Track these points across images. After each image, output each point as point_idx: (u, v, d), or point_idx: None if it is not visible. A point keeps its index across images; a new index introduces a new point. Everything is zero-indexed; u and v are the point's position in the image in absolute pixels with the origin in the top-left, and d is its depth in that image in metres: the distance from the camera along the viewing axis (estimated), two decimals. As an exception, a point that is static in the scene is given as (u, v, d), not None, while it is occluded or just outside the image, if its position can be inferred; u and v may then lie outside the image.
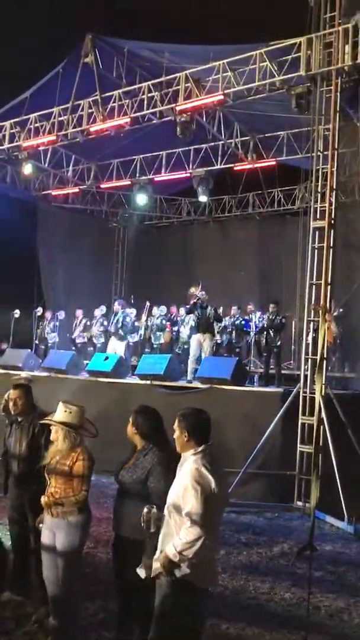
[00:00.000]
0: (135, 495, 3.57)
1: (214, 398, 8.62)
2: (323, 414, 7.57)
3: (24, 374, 9.17)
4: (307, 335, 8.66)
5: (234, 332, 12.00)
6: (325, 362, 8.40)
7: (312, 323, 8.60)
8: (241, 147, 13.11)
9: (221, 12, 12.07)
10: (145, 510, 3.21)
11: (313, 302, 8.60)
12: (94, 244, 17.19)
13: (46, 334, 13.91)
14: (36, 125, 12.20)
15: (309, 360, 8.53)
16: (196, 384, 9.44)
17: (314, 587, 4.81)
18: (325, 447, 7.52)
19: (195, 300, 10.73)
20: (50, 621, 3.91)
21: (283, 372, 11.08)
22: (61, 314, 14.20)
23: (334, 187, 8.56)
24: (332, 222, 8.50)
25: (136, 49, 11.14)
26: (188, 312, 11.54)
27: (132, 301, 14.49)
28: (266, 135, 12.95)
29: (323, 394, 7.69)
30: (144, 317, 13.25)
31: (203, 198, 14.58)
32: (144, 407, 3.86)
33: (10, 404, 4.70)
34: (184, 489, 3.02)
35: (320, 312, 7.86)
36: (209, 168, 13.57)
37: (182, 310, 12.66)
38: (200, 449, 3.13)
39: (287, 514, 7.81)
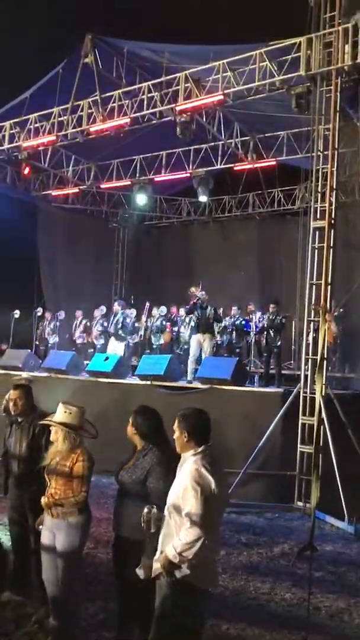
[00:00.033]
0: (134, 496, 3.57)
1: (214, 398, 8.62)
2: (323, 414, 7.56)
3: (24, 374, 9.17)
4: (307, 335, 8.66)
5: (234, 332, 11.99)
6: (325, 362, 8.39)
7: (312, 323, 8.59)
8: (241, 147, 13.10)
9: (221, 12, 12.08)
10: (146, 510, 3.21)
11: (313, 302, 8.59)
12: (94, 244, 17.21)
13: (46, 334, 13.92)
14: (36, 125, 12.19)
15: (309, 360, 8.52)
16: (196, 384, 9.44)
17: (315, 587, 4.81)
18: (325, 447, 7.52)
19: (195, 301, 10.73)
20: (50, 622, 3.91)
21: (283, 372, 11.08)
22: (61, 315, 14.21)
23: (334, 187, 8.55)
24: (332, 222, 8.50)
25: (136, 49, 11.13)
26: (188, 313, 11.54)
27: (132, 301, 14.50)
28: (266, 135, 12.95)
29: (323, 394, 7.69)
30: (143, 318, 13.25)
31: (203, 198, 14.58)
32: (144, 408, 3.85)
33: (11, 404, 4.70)
34: (184, 490, 3.02)
35: (320, 312, 7.85)
36: (209, 168, 13.57)
37: (182, 311, 12.66)
38: (200, 449, 3.13)
39: (288, 514, 7.80)
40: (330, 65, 8.51)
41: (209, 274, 14.53)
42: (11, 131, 12.51)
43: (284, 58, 9.14)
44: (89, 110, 11.33)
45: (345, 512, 7.13)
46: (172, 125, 10.49)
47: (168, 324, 13.07)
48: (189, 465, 3.08)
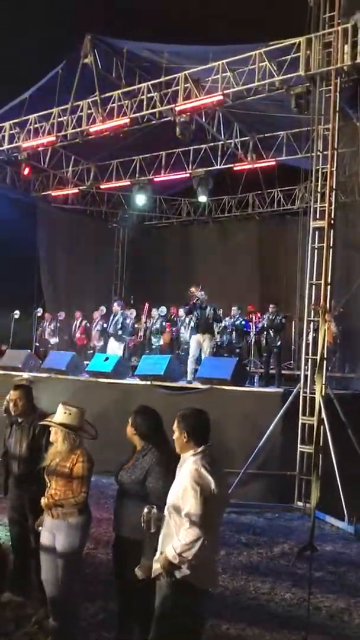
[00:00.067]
0: (134, 496, 3.57)
1: (214, 398, 8.62)
2: (323, 414, 7.56)
3: (25, 374, 9.17)
4: (307, 335, 8.66)
5: (234, 332, 12.00)
6: (325, 362, 8.39)
7: (312, 323, 8.59)
8: (241, 147, 13.11)
9: (221, 12, 12.06)
10: (146, 510, 3.21)
11: (313, 302, 8.59)
12: (94, 245, 17.22)
13: (47, 335, 13.94)
14: (36, 126, 12.19)
15: (309, 360, 8.52)
16: (196, 385, 9.44)
17: (315, 587, 4.81)
18: (325, 447, 7.52)
19: (194, 301, 10.73)
20: (49, 622, 3.91)
21: (283, 372, 11.09)
22: (61, 315, 14.23)
23: (334, 187, 8.56)
24: (332, 222, 8.50)
25: (135, 50, 11.13)
26: (187, 313, 11.54)
27: (132, 302, 14.51)
28: (266, 135, 12.95)
29: (323, 394, 7.68)
30: (143, 318, 13.26)
31: (203, 198, 14.59)
32: (143, 408, 3.85)
33: (11, 404, 4.69)
34: (184, 490, 3.02)
35: (320, 312, 7.85)
36: (209, 168, 13.57)
37: (182, 312, 12.67)
38: (199, 449, 3.13)
39: (288, 514, 7.80)
40: (330, 65, 8.51)
41: (208, 274, 14.55)
42: (11, 132, 12.51)
43: (283, 58, 9.15)
44: (89, 111, 11.33)
45: (345, 512, 7.13)
46: (171, 126, 10.49)
47: (167, 324, 13.08)
48: (189, 465, 3.08)
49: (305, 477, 7.97)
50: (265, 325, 10.86)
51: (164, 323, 13.06)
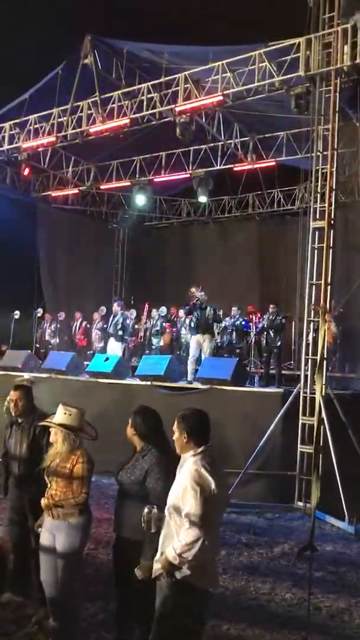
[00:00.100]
0: (134, 497, 3.58)
1: (214, 399, 8.62)
2: (323, 414, 7.56)
3: (26, 375, 9.18)
4: (307, 335, 8.66)
5: (234, 332, 12.00)
6: (325, 362, 8.39)
7: (312, 323, 8.60)
8: (241, 148, 13.11)
9: (221, 12, 12.05)
10: (146, 510, 3.21)
11: (313, 302, 8.59)
12: (94, 245, 17.23)
13: (47, 336, 13.94)
14: (36, 126, 12.20)
15: (309, 360, 8.52)
16: (196, 385, 9.44)
17: (315, 587, 4.82)
18: (325, 448, 7.51)
19: (194, 301, 10.73)
20: (50, 622, 3.91)
21: (283, 372, 11.10)
22: (61, 316, 14.24)
23: (334, 187, 8.55)
24: (332, 222, 8.50)
25: (135, 50, 11.13)
26: (187, 313, 11.54)
27: (132, 302, 14.52)
28: (266, 135, 12.95)
29: (323, 394, 7.68)
30: (143, 319, 13.26)
31: (203, 199, 14.59)
32: (143, 408, 3.85)
33: (11, 405, 4.69)
34: (184, 490, 3.02)
35: (320, 312, 7.85)
36: (209, 169, 13.57)
37: (181, 312, 12.67)
38: (199, 450, 3.13)
39: (288, 514, 7.80)
40: (330, 65, 8.51)
41: (208, 275, 14.56)
42: (11, 132, 12.52)
43: (283, 59, 9.15)
44: (89, 111, 11.33)
45: (346, 512, 7.13)
46: (171, 126, 10.50)
47: (168, 324, 13.09)
48: (189, 465, 3.08)
49: (306, 477, 7.98)
50: (265, 326, 10.87)
51: (164, 323, 13.06)
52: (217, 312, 10.85)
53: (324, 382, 7.86)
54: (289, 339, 12.15)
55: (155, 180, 14.50)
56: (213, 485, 3.00)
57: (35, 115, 12.12)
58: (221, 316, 11.51)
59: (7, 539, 4.89)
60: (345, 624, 4.66)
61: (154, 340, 13.04)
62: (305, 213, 10.92)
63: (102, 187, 15.56)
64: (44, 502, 3.81)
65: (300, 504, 7.98)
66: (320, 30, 8.62)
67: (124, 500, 3.69)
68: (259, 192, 15.68)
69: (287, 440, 8.18)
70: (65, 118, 11.63)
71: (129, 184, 14.75)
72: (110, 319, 12.49)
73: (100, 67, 11.07)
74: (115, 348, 12.14)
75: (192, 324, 10.86)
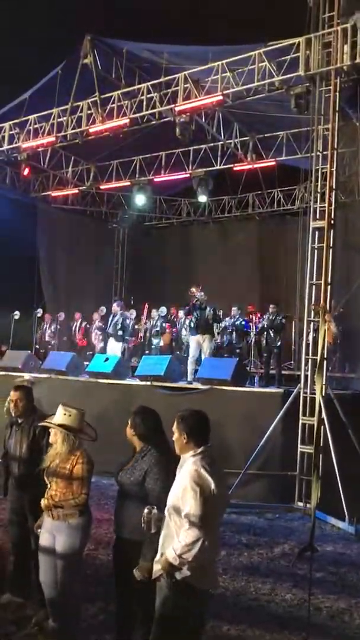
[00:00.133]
0: (134, 497, 3.57)
1: (214, 399, 8.62)
2: (323, 414, 7.55)
3: (27, 376, 9.18)
4: (307, 335, 8.65)
5: (234, 332, 12.00)
6: (325, 362, 8.38)
7: (312, 323, 8.59)
8: (241, 148, 13.10)
9: (221, 12, 12.05)
10: (146, 511, 3.21)
11: (313, 302, 8.59)
12: (94, 245, 17.23)
13: (47, 337, 13.94)
14: (35, 126, 12.18)
15: (309, 360, 8.52)
16: (197, 385, 9.44)
17: (315, 588, 4.81)
18: (325, 448, 7.51)
19: (194, 302, 10.73)
20: (49, 623, 3.91)
21: (283, 372, 11.10)
22: (61, 316, 14.24)
23: (334, 187, 8.55)
24: (332, 222, 8.49)
25: (135, 50, 11.12)
26: (186, 314, 11.53)
27: (132, 302, 14.51)
28: (265, 135, 12.94)
29: (323, 394, 7.68)
30: (143, 319, 13.26)
31: (203, 198, 14.58)
32: (142, 409, 3.84)
33: (11, 405, 4.69)
34: (183, 491, 3.02)
35: (320, 312, 7.85)
36: (209, 168, 13.55)
37: (181, 313, 12.65)
38: (199, 450, 3.12)
39: (288, 514, 7.79)
40: (330, 65, 8.50)
41: (208, 275, 14.55)
42: (11, 132, 12.51)
43: (283, 58, 9.14)
44: (89, 111, 11.32)
45: (346, 512, 7.12)
46: (171, 126, 10.49)
47: (167, 324, 13.08)
48: (189, 466, 3.08)
49: (306, 478, 7.97)
50: (265, 326, 10.86)
51: (164, 324, 13.06)
52: (216, 312, 10.85)
53: (324, 382, 7.85)
54: (289, 339, 12.14)
55: (155, 180, 14.49)
56: (213, 486, 2.99)
57: (35, 115, 12.11)
58: (221, 316, 11.51)
59: (6, 540, 4.89)
60: (345, 625, 4.65)
61: (154, 341, 13.04)
62: (305, 213, 10.92)
63: (101, 187, 15.54)
64: (43, 502, 3.80)
65: (301, 504, 7.97)
66: (320, 29, 8.61)
67: (124, 501, 3.68)
68: (259, 192, 15.67)
69: (287, 440, 8.18)
70: (65, 118, 11.62)
71: (128, 184, 14.73)
72: (110, 319, 12.49)
73: (100, 67, 11.06)
74: (115, 348, 12.14)
75: (192, 324, 10.86)
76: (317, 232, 8.70)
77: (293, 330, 11.89)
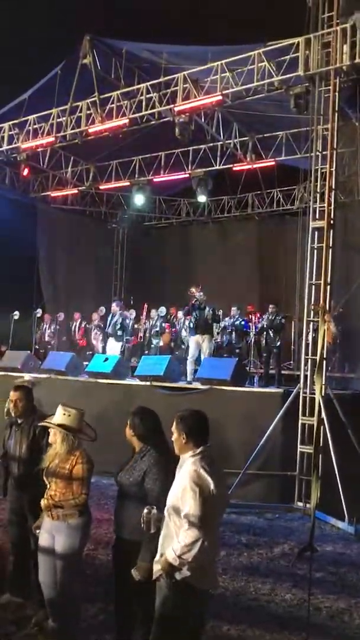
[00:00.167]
0: (133, 497, 3.57)
1: (214, 399, 8.62)
2: (323, 414, 7.55)
3: (27, 376, 9.17)
4: (307, 335, 8.65)
5: (233, 332, 12.00)
6: (325, 362, 8.38)
7: (311, 323, 8.59)
8: (240, 148, 13.10)
9: (221, 12, 12.04)
10: (145, 511, 3.21)
11: (312, 302, 8.59)
12: (93, 245, 17.23)
13: (47, 337, 13.93)
14: (35, 126, 12.18)
15: (309, 360, 8.52)
16: (196, 385, 9.44)
17: (315, 588, 4.81)
18: (325, 448, 7.51)
19: (193, 302, 10.73)
20: (49, 624, 3.91)
21: (283, 372, 11.10)
22: (60, 316, 14.23)
23: (333, 187, 8.54)
24: (332, 222, 8.49)
25: (134, 50, 11.12)
26: (185, 314, 11.53)
27: (132, 302, 14.51)
28: (265, 135, 12.95)
29: (323, 394, 7.67)
30: (142, 319, 13.26)
31: (202, 199, 14.57)
32: (141, 409, 3.84)
33: (11, 405, 4.68)
34: (183, 491, 3.02)
35: (320, 312, 7.85)
36: (208, 169, 13.55)
37: (180, 314, 12.65)
38: (198, 450, 3.12)
39: (288, 514, 7.79)
40: (329, 65, 8.49)
41: (208, 275, 14.56)
42: (10, 132, 12.51)
43: (282, 58, 9.13)
44: (88, 112, 11.32)
45: (346, 512, 7.12)
46: (170, 126, 10.49)
47: (167, 325, 13.08)
48: (188, 466, 3.08)
49: (306, 478, 7.97)
50: (265, 326, 10.86)
51: (163, 324, 13.06)
52: (215, 312, 10.85)
53: (323, 382, 7.86)
54: (289, 339, 12.15)
55: (155, 180, 14.49)
56: (212, 486, 2.99)
57: (35, 115, 12.11)
58: (220, 316, 11.51)
59: (6, 540, 4.88)
60: (345, 625, 4.65)
61: (154, 341, 13.04)
62: (304, 213, 10.93)
63: (101, 187, 15.54)
64: (43, 502, 3.80)
65: (300, 504, 7.97)
66: (319, 29, 8.61)
67: (124, 501, 3.68)
68: (259, 192, 15.68)
69: (287, 440, 8.17)
70: (64, 118, 11.62)
71: (128, 184, 14.73)
72: (109, 319, 12.49)
73: (99, 67, 11.06)
74: (114, 348, 12.13)
75: (191, 325, 10.86)
76: (316, 232, 8.70)
77: (293, 330, 11.89)
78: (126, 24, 12.58)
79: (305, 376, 8.48)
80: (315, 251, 8.67)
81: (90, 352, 13.01)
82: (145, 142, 12.65)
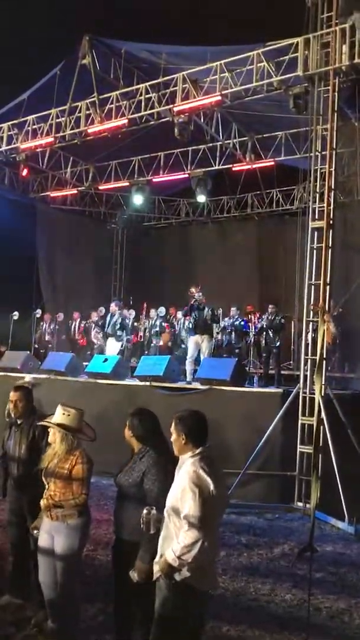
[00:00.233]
0: (132, 498, 3.56)
1: (213, 399, 8.61)
2: (323, 415, 7.55)
3: (27, 377, 9.17)
4: (307, 335, 8.65)
5: (233, 332, 12.00)
6: (324, 362, 8.38)
7: (311, 323, 8.59)
8: (239, 148, 13.10)
9: (221, 12, 12.04)
10: (145, 511, 3.21)
11: (312, 303, 8.58)
12: (93, 245, 17.23)
13: (47, 337, 13.92)
14: (34, 127, 12.19)
15: (309, 360, 8.52)
16: (196, 385, 9.43)
17: (315, 588, 4.81)
18: (325, 448, 7.51)
19: (192, 302, 10.72)
20: (49, 624, 3.90)
21: (283, 372, 11.09)
22: (60, 316, 14.22)
23: (333, 187, 8.54)
24: (331, 222, 8.49)
25: (133, 50, 11.12)
26: (185, 315, 11.53)
27: (131, 302, 14.51)
28: (264, 135, 12.95)
29: (323, 394, 7.67)
30: (142, 319, 13.26)
31: (201, 199, 14.57)
32: (140, 410, 3.84)
33: (11, 406, 4.68)
34: (182, 492, 3.01)
35: (319, 312, 7.85)
36: (208, 169, 13.55)
37: (180, 314, 12.66)
38: (198, 451, 3.11)
39: (288, 514, 7.79)
40: (328, 65, 8.50)
41: (207, 275, 14.57)
42: (9, 133, 12.52)
43: (281, 58, 9.15)
44: (87, 112, 11.32)
45: (346, 512, 7.12)
46: (170, 126, 10.49)
47: (167, 325, 13.08)
48: (187, 467, 3.07)
49: (305, 478, 7.97)
50: (264, 326, 10.87)
51: (163, 324, 13.06)
52: (214, 312, 10.85)
53: (323, 382, 7.86)
54: (288, 339, 12.15)
55: (154, 180, 14.50)
56: (212, 487, 2.99)
57: (34, 115, 12.12)
58: (220, 316, 11.50)
59: (5, 541, 4.88)
60: (345, 625, 4.65)
61: (153, 341, 13.03)
62: (304, 213, 10.92)
63: (100, 187, 15.54)
64: (43, 503, 3.80)
65: (300, 504, 7.97)
66: (318, 30, 8.62)
67: (123, 502, 3.68)
68: (258, 192, 15.68)
69: (287, 440, 8.17)
70: (63, 118, 11.62)
71: (127, 184, 14.74)
72: (108, 318, 12.48)
73: (98, 68, 11.07)
74: (114, 348, 12.13)
75: (191, 325, 10.86)
76: (316, 232, 8.70)
77: (292, 330, 11.90)
78: (126, 24, 12.57)
79: (305, 376, 8.48)
80: (315, 251, 8.67)
81: (90, 352, 13.01)
82: (144, 142, 12.65)
